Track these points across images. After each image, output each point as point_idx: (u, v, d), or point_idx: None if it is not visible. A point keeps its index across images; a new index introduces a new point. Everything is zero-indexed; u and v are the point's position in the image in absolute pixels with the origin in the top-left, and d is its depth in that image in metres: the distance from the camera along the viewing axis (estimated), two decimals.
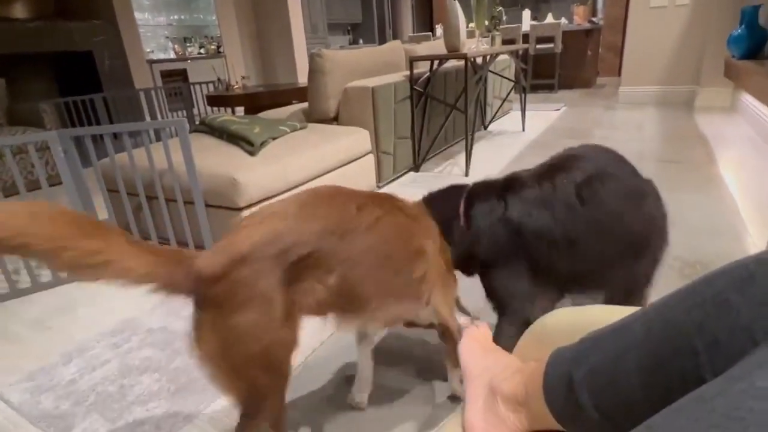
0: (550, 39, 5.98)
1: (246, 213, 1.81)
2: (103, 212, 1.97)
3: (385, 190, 2.71)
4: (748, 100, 3.41)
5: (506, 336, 1.00)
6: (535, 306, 1.01)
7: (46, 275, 1.82)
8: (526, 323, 0.97)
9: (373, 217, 0.81)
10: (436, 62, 2.88)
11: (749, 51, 2.90)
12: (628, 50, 4.70)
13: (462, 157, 3.07)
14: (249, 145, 2.01)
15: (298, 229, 0.74)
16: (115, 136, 1.83)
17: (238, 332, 0.70)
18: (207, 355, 0.71)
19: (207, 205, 1.85)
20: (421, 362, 1.22)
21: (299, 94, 3.77)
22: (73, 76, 4.54)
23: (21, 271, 1.84)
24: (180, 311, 1.55)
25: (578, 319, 0.58)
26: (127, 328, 1.48)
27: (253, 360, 0.72)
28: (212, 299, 0.70)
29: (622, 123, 4.03)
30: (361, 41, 8.95)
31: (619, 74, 5.14)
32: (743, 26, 2.91)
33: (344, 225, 0.78)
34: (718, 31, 3.88)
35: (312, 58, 2.54)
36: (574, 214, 0.95)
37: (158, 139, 1.86)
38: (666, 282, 1.45)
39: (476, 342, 0.64)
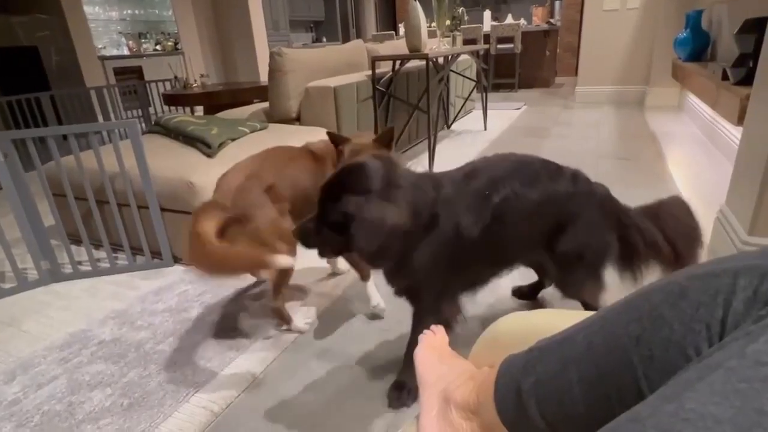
0: (510, 39, 6.12)
1: None
2: (48, 219, 1.86)
3: None
4: (693, 99, 3.60)
5: (419, 330, 1.03)
6: (449, 301, 1.06)
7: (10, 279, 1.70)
8: (439, 317, 1.02)
9: (301, 162, 1.47)
10: (398, 62, 2.89)
11: (693, 53, 3.05)
12: (584, 51, 4.87)
13: (425, 156, 3.09)
14: (206, 147, 1.95)
15: (262, 171, 1.33)
16: (65, 137, 1.73)
17: (260, 227, 1.22)
18: (241, 252, 1.14)
19: (162, 209, 1.79)
20: (381, 362, 1.22)
21: (260, 92, 3.69)
22: (17, 73, 4.27)
23: None
24: (134, 321, 1.48)
25: (528, 324, 0.59)
26: (77, 341, 1.41)
27: (273, 235, 1.24)
28: (235, 218, 1.19)
29: (578, 121, 4.17)
30: (324, 39, 8.87)
31: (576, 74, 5.32)
32: (688, 30, 3.06)
33: (286, 168, 1.40)
34: (665, 34, 4.07)
35: (272, 56, 2.49)
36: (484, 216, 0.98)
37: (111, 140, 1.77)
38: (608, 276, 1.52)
39: (432, 349, 0.64)
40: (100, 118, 4.42)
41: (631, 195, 1.29)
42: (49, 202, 1.78)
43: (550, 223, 1.06)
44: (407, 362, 1.09)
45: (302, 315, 1.43)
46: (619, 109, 4.55)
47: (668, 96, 4.35)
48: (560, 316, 0.55)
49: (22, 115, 3.75)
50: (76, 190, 1.77)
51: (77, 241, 1.92)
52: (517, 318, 0.60)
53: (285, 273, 1.33)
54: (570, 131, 3.80)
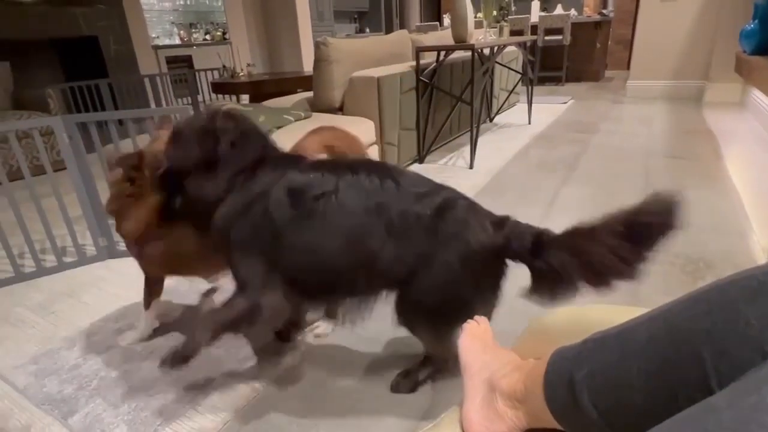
0: (558, 31, 5.91)
1: None
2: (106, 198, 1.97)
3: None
4: (758, 96, 3.36)
5: (231, 307, 0.98)
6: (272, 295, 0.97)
7: (51, 260, 1.83)
8: (255, 307, 0.96)
9: None
10: (442, 53, 2.86)
11: (761, 46, 2.85)
12: (638, 44, 4.64)
13: (467, 149, 3.05)
14: None
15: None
16: (120, 122, 1.83)
17: None
18: None
19: None
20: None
21: (304, 82, 3.75)
22: (78, 61, 4.52)
23: (26, 255, 1.85)
24: (184, 298, 1.56)
25: (578, 319, 0.58)
26: (131, 313, 1.49)
27: None
28: None
29: (629, 117, 4.00)
30: (367, 30, 8.87)
31: (628, 68, 5.09)
32: (756, 21, 2.85)
33: None
34: (729, 26, 3.81)
35: (317, 46, 2.52)
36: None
37: None
38: (667, 280, 1.45)
39: (476, 338, 0.64)
40: (152, 104, 4.63)
41: (683, 197, 1.18)
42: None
43: (392, 254, 0.89)
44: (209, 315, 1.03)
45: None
46: (674, 105, 4.33)
47: (729, 92, 4.08)
48: (615, 312, 0.54)
49: (83, 100, 3.98)
50: None
51: None
52: (567, 312, 0.59)
53: None
54: (619, 127, 3.65)
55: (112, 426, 1.05)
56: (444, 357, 0.99)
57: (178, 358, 0.97)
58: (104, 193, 1.93)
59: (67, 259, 1.85)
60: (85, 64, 4.46)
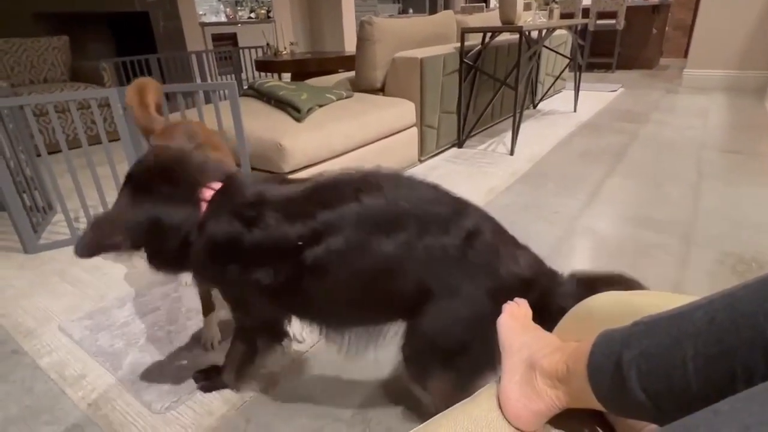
0: (612, 14, 5.62)
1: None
2: None
3: (427, 164, 2.69)
4: None
5: (233, 348, 1.03)
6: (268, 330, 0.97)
7: None
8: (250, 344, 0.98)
9: None
10: (488, 35, 2.78)
11: None
12: (698, 30, 4.37)
13: (508, 135, 2.99)
14: (296, 112, 2.03)
15: None
16: (167, 97, 1.89)
17: None
18: None
19: (252, 169, 1.90)
20: None
21: (346, 62, 3.75)
22: (129, 36, 4.69)
23: (80, 219, 1.97)
24: None
25: (623, 304, 0.57)
26: (175, 279, 1.57)
27: None
28: None
29: (683, 108, 3.79)
30: (410, 10, 8.72)
31: (686, 56, 4.80)
32: None
33: None
34: None
35: (362, 25, 2.51)
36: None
37: (207, 101, 1.91)
38: (716, 279, 1.40)
39: (515, 318, 0.64)
40: (198, 80, 4.75)
41: (736, 193, 1.09)
42: None
43: (412, 287, 0.78)
44: (224, 364, 1.07)
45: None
46: (734, 96, 4.06)
47: None
48: (662, 298, 0.52)
49: (134, 74, 4.13)
50: None
51: None
52: (614, 296, 0.58)
53: None
54: (672, 118, 3.47)
55: (158, 381, 1.12)
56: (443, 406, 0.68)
57: (208, 388, 1.09)
58: None
59: None
60: (135, 40, 4.62)
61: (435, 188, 0.84)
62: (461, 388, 0.78)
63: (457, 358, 0.80)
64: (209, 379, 1.10)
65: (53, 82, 3.59)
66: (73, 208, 1.96)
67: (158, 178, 0.83)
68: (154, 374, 1.14)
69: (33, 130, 1.70)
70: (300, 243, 0.77)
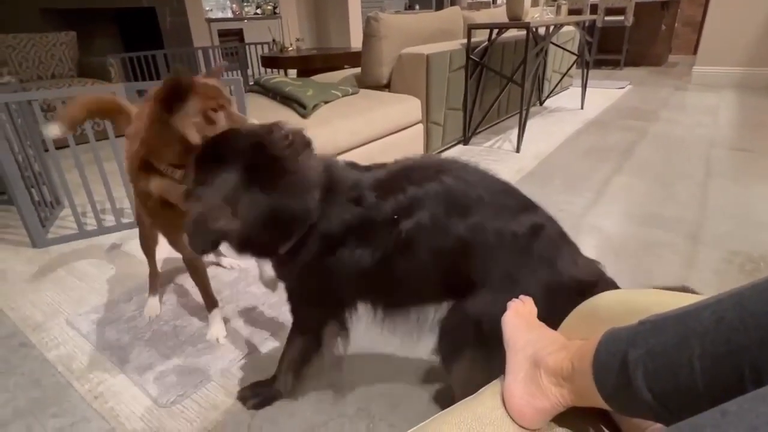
0: (620, 10, 5.57)
1: None
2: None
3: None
4: None
5: (293, 346, 1.00)
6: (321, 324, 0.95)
7: (110, 220, 1.95)
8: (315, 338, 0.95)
9: None
10: (495, 31, 2.77)
11: None
12: (708, 26, 4.32)
13: (514, 132, 2.97)
14: (302, 108, 2.03)
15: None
16: None
17: None
18: None
19: None
20: None
21: (351, 58, 3.74)
22: (136, 32, 4.70)
23: (88, 214, 1.98)
24: (232, 261, 1.62)
25: (628, 302, 0.56)
26: (183, 271, 1.58)
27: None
28: None
29: (692, 105, 3.75)
30: (417, 6, 8.68)
31: (695, 52, 4.75)
32: None
33: None
34: None
35: (368, 21, 2.50)
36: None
37: None
38: (724, 278, 1.38)
39: (520, 316, 0.64)
40: None
41: (745, 192, 1.08)
42: None
43: (474, 268, 0.80)
44: (279, 369, 1.04)
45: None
46: (744, 94, 4.02)
47: None
48: (668, 297, 0.52)
49: (140, 69, 4.15)
50: None
51: None
52: (619, 295, 0.57)
53: None
54: (681, 116, 3.44)
55: (163, 374, 1.13)
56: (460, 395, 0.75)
57: (260, 404, 1.04)
58: None
59: (125, 220, 1.96)
60: (142, 35, 4.63)
61: (505, 182, 0.87)
62: (485, 376, 0.74)
63: (492, 343, 0.77)
64: (259, 394, 1.05)
65: (61, 77, 3.61)
66: (81, 203, 1.97)
67: (270, 165, 0.78)
68: (159, 368, 1.15)
69: (41, 125, 1.71)
70: (396, 217, 0.79)
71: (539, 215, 0.83)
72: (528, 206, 0.84)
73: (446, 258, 0.80)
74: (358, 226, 0.81)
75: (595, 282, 0.78)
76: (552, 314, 0.68)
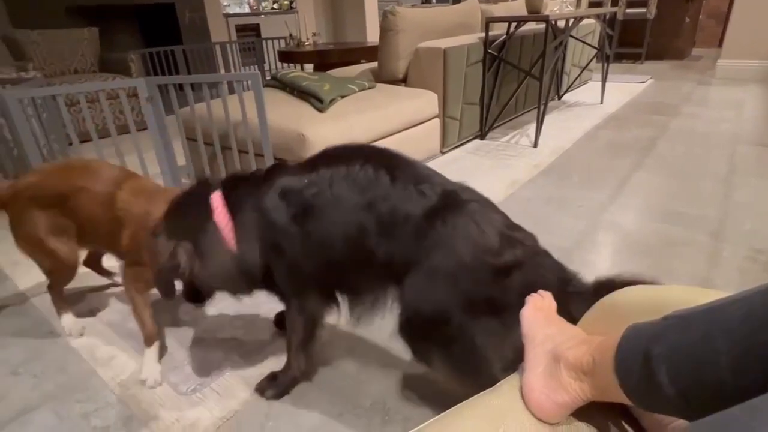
0: (642, 2, 5.44)
1: None
2: (181, 158, 2.11)
3: (448, 156, 2.67)
4: None
5: (296, 328, 1.02)
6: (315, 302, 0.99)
7: None
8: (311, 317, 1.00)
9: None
10: (513, 24, 2.73)
11: None
12: (735, 18, 4.19)
13: (531, 127, 2.94)
14: (318, 102, 2.04)
15: (49, 182, 1.14)
16: (192, 87, 1.92)
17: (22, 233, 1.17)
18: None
19: (275, 159, 1.92)
20: None
21: (368, 53, 3.73)
22: (156, 27, 4.77)
23: None
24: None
25: (652, 298, 0.56)
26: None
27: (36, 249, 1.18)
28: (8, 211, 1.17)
29: (716, 100, 3.66)
30: (434, 0, 8.61)
31: (720, 45, 4.62)
32: None
33: (81, 186, 1.12)
34: None
35: (385, 15, 2.49)
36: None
37: (231, 91, 1.93)
38: (747, 276, 1.35)
39: (539, 311, 0.63)
40: (222, 71, 4.81)
41: None
42: (183, 144, 2.00)
43: (384, 252, 0.83)
44: (289, 354, 1.06)
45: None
46: None
47: None
48: (694, 293, 0.51)
49: (160, 65, 4.21)
50: (204, 136, 1.97)
51: None
52: (641, 291, 0.57)
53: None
54: (704, 111, 3.35)
55: (183, 363, 1.16)
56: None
57: (279, 393, 1.06)
58: (179, 154, 2.06)
59: None
60: (161, 31, 4.70)
61: (431, 170, 0.90)
62: (458, 368, 0.82)
63: (420, 329, 0.83)
64: (276, 384, 1.07)
65: (83, 72, 3.68)
66: None
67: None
68: (180, 357, 1.18)
69: (65, 119, 1.76)
70: (306, 181, 0.88)
71: (451, 195, 0.83)
72: (444, 187, 0.85)
73: (357, 236, 0.84)
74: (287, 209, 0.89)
75: (514, 265, 0.76)
76: (466, 301, 0.74)
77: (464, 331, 0.76)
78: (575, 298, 0.72)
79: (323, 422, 0.99)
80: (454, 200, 0.82)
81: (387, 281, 0.87)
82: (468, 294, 0.75)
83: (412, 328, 0.84)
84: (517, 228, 0.83)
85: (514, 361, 0.64)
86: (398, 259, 0.81)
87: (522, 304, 0.65)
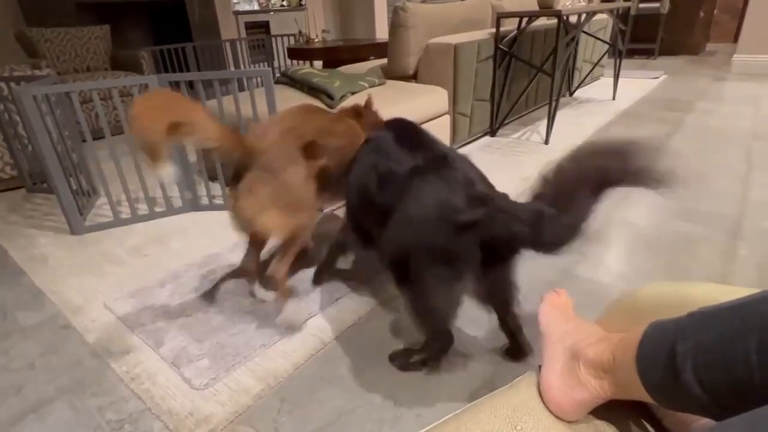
0: None
1: None
2: (192, 155, 2.12)
3: (459, 152, 2.65)
4: None
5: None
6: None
7: (143, 209, 2.00)
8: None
9: (341, 127, 1.38)
10: (524, 20, 2.70)
11: None
12: (752, 11, 4.11)
13: (542, 124, 2.91)
14: (329, 99, 2.04)
15: (302, 127, 1.23)
16: (203, 83, 1.93)
17: (286, 184, 1.15)
18: (258, 203, 1.11)
19: None
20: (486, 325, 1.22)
21: (377, 49, 3.72)
22: (166, 25, 4.80)
23: (122, 203, 2.05)
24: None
25: (673, 295, 0.55)
26: (213, 261, 1.61)
27: (296, 202, 1.18)
28: (263, 165, 1.12)
29: (732, 96, 3.59)
30: None
31: (735, 40, 4.54)
32: None
33: (326, 129, 1.31)
34: None
35: (395, 11, 2.48)
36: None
37: (241, 88, 1.93)
38: (765, 275, 1.32)
39: (556, 308, 0.63)
40: (231, 68, 4.82)
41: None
42: None
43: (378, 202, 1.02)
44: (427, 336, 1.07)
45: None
46: None
47: None
48: (716, 290, 0.50)
49: (170, 62, 4.23)
50: None
51: (213, 178, 2.17)
52: (663, 287, 0.56)
53: (293, 238, 1.21)
54: (719, 107, 3.29)
55: (196, 358, 1.16)
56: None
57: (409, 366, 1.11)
58: (189, 151, 2.07)
59: (157, 209, 2.01)
60: (171, 28, 4.72)
61: (436, 139, 1.14)
62: (412, 306, 0.97)
63: (393, 268, 0.97)
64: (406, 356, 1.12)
65: (95, 70, 3.72)
66: (115, 192, 2.03)
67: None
68: (193, 352, 1.19)
69: (79, 116, 1.77)
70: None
71: (429, 157, 0.98)
72: (431, 149, 1.03)
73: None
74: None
75: (478, 222, 0.81)
76: (428, 253, 0.85)
77: (419, 273, 0.88)
78: (549, 224, 0.78)
79: (335, 417, 0.99)
80: (440, 162, 0.95)
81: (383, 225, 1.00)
82: (427, 242, 0.86)
83: (388, 262, 0.98)
84: (491, 189, 0.93)
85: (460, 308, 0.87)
86: (387, 208, 0.96)
87: (477, 258, 0.80)
